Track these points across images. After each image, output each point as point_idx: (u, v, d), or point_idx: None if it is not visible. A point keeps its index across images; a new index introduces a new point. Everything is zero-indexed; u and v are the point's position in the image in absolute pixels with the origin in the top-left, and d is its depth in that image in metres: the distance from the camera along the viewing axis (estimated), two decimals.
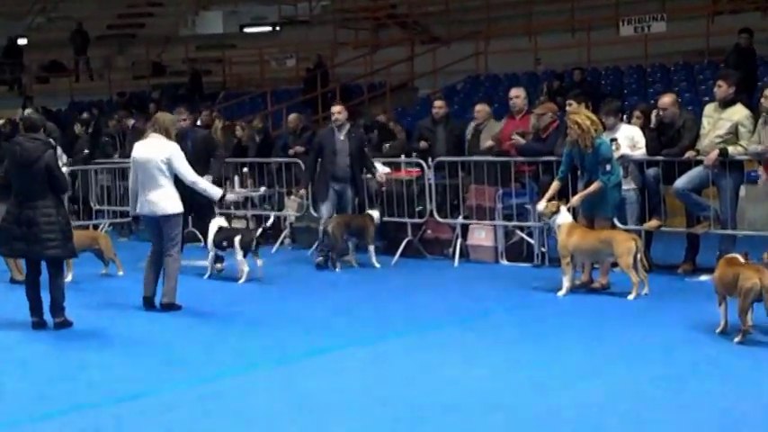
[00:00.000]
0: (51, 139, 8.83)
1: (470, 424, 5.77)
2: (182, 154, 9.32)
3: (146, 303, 9.36)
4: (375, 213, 11.64)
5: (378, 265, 11.37)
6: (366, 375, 6.94)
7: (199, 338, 8.29)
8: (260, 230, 11.01)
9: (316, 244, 11.95)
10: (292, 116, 15.07)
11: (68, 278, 10.80)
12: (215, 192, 9.66)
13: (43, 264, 8.79)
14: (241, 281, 10.66)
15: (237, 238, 10.64)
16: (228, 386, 6.76)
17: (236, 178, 14.14)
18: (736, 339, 7.21)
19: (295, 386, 6.70)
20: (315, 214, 12.75)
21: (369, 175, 11.91)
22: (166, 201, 9.23)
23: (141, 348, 8.03)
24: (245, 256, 10.63)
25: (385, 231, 12.70)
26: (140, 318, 9.12)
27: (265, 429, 5.85)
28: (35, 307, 8.70)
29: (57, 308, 8.66)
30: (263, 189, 13.91)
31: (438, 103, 12.91)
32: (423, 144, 12.44)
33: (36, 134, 8.68)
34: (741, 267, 7.27)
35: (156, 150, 9.23)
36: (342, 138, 11.64)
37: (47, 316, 8.69)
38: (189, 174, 9.34)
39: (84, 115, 18.13)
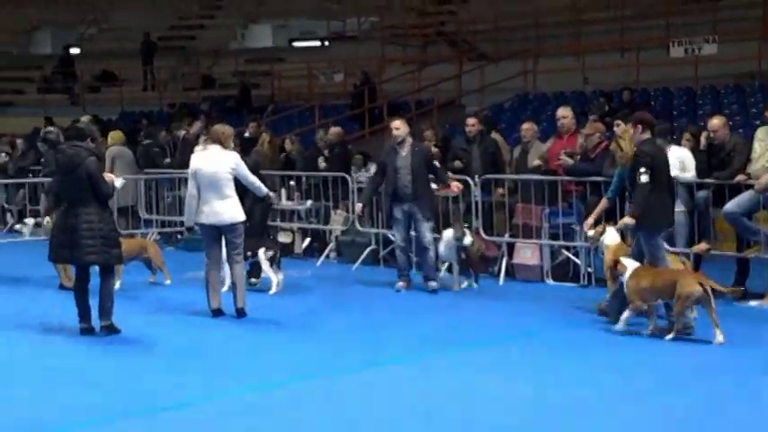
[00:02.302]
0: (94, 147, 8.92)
1: None
2: (242, 162, 9.54)
3: (216, 314, 9.46)
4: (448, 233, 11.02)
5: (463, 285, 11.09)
6: (411, 391, 6.96)
7: (245, 348, 8.39)
8: (306, 243, 11.06)
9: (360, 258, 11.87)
10: (336, 129, 15.13)
11: (117, 285, 10.97)
12: (266, 190, 9.95)
13: (94, 270, 8.93)
14: (272, 291, 10.74)
15: (262, 250, 10.75)
16: (276, 397, 6.82)
17: (283, 191, 14.23)
18: None
19: (341, 400, 6.75)
20: (360, 229, 12.81)
21: (436, 187, 11.34)
22: (233, 210, 9.43)
23: (189, 357, 8.11)
24: (270, 267, 10.73)
25: None
26: (188, 326, 9.23)
27: None
28: (83, 313, 8.83)
29: (104, 312, 8.79)
30: (309, 202, 14.00)
31: (470, 120, 12.60)
32: (457, 164, 12.25)
33: (79, 142, 8.84)
34: None
35: (221, 162, 9.40)
36: (404, 154, 10.94)
37: (95, 323, 8.82)
38: (250, 176, 9.62)
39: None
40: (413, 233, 11.23)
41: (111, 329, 8.78)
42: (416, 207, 10.86)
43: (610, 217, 9.68)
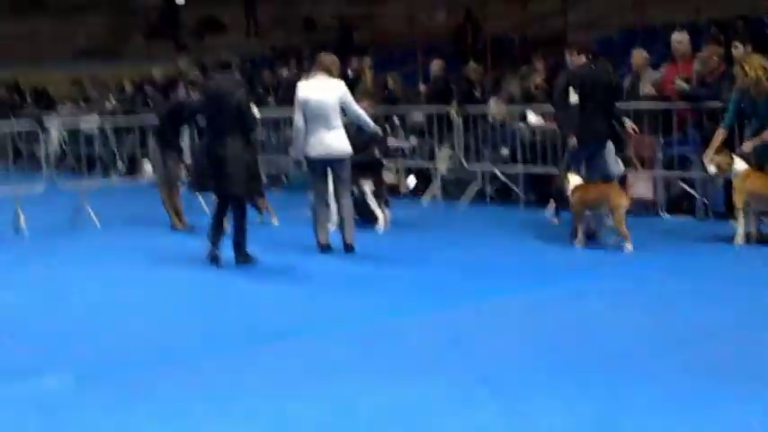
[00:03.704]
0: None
1: (640, 367, 5.57)
2: (348, 92, 9.38)
3: (325, 249, 9.41)
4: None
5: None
6: (527, 321, 6.83)
7: (352, 283, 8.34)
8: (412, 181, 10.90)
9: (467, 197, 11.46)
10: (438, 62, 14.92)
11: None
12: (377, 128, 9.76)
13: None
14: (379, 228, 10.60)
15: (368, 185, 10.59)
16: (388, 328, 6.77)
17: (387, 128, 14.09)
18: None
19: (450, 327, 6.68)
20: (466, 166, 12.61)
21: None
22: (342, 141, 9.29)
23: (297, 292, 8.12)
24: (379, 204, 10.59)
25: (536, 183, 12.44)
26: (297, 260, 9.21)
27: (425, 369, 5.80)
28: (215, 241, 9.00)
29: (238, 247, 8.95)
30: (412, 139, 13.84)
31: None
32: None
33: (230, 72, 8.86)
34: None
35: (329, 91, 9.25)
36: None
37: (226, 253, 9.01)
38: (356, 108, 9.43)
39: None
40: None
41: (246, 261, 8.92)
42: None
43: (726, 145, 9.25)
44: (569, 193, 9.31)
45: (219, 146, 8.77)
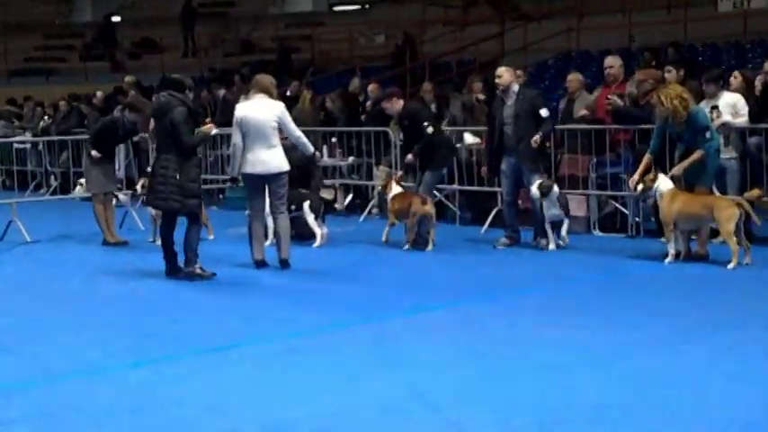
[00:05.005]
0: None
1: (567, 380, 5.61)
2: (287, 112, 9.43)
3: (261, 265, 9.38)
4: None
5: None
6: (458, 335, 6.82)
7: (286, 297, 8.30)
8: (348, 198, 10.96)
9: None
10: (374, 86, 15.05)
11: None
12: (311, 148, 9.75)
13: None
14: (316, 245, 10.66)
15: (307, 203, 10.67)
16: (318, 341, 6.73)
17: (325, 148, 14.11)
18: None
19: (380, 340, 6.68)
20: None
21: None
22: (279, 159, 9.31)
23: (232, 305, 8.07)
24: (315, 219, 10.68)
25: (474, 201, 12.55)
26: (232, 276, 9.14)
27: (355, 381, 5.78)
28: (167, 258, 9.06)
29: (186, 260, 8.98)
30: (350, 159, 13.88)
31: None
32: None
33: (175, 92, 8.91)
34: None
35: (267, 110, 9.27)
36: (509, 103, 10.19)
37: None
38: (295, 129, 9.46)
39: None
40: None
41: (192, 276, 8.86)
42: (522, 159, 10.13)
43: (657, 165, 9.44)
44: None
45: (156, 162, 8.98)
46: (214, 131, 9.34)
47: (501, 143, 10.30)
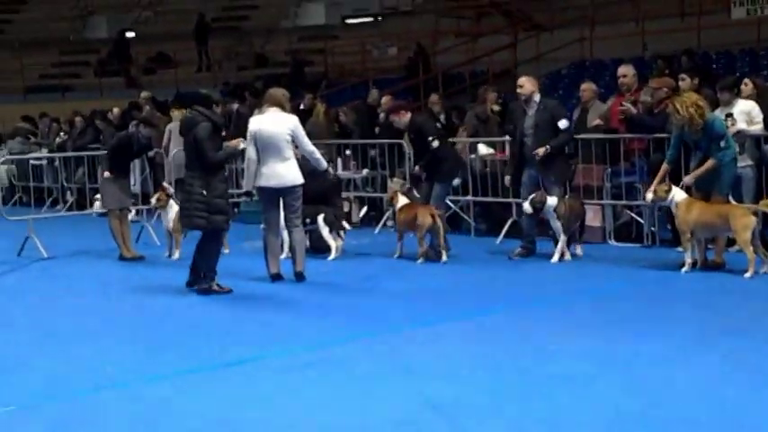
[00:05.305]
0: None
1: (583, 392, 5.59)
2: (301, 126, 9.42)
3: (276, 278, 9.40)
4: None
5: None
6: (473, 347, 6.81)
7: (302, 310, 8.32)
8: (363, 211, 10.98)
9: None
10: (387, 98, 15.06)
11: (176, 255, 11.02)
12: (324, 163, 9.76)
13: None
14: (330, 257, 10.67)
15: (321, 216, 10.70)
16: (333, 354, 6.73)
17: (339, 161, 14.14)
18: None
19: (395, 352, 6.67)
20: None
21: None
22: (294, 172, 9.32)
23: (248, 319, 8.08)
24: (330, 232, 10.71)
25: (489, 212, 12.54)
26: (248, 290, 9.15)
27: (370, 393, 5.77)
28: (192, 270, 9.11)
29: (197, 274, 9.02)
30: (365, 171, 13.90)
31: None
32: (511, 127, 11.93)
33: (201, 108, 8.93)
34: None
35: (281, 123, 9.29)
36: (530, 113, 10.19)
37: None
38: (308, 144, 9.45)
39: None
40: None
41: (209, 292, 8.85)
42: (542, 170, 10.14)
43: (673, 176, 9.42)
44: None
45: (185, 179, 9.10)
46: (242, 146, 9.28)
47: (521, 154, 10.31)
